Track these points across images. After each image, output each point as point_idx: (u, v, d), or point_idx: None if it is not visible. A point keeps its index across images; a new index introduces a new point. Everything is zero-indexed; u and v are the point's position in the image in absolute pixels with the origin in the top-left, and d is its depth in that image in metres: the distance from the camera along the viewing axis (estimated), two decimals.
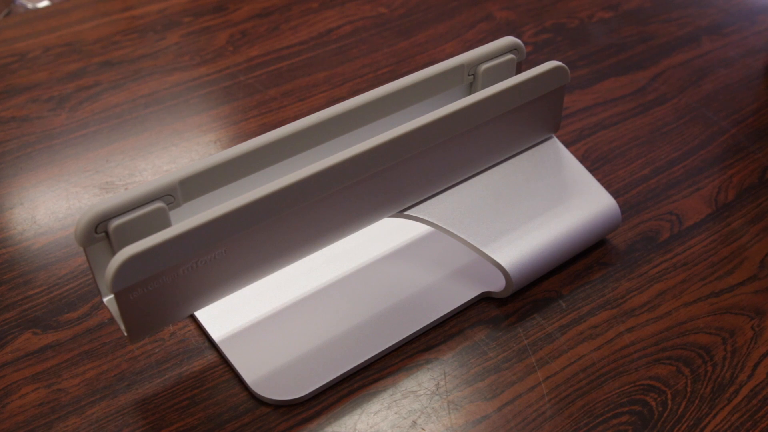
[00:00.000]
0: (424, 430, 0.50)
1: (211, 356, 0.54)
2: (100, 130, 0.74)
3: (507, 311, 0.57)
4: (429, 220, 0.55)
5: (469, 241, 0.55)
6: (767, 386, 0.53)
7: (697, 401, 0.52)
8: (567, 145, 0.71)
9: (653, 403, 0.51)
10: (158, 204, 0.46)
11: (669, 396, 0.52)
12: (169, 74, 0.81)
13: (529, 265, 0.56)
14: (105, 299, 0.47)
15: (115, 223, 0.44)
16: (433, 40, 0.87)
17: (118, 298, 0.43)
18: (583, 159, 0.70)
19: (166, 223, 0.46)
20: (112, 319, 0.56)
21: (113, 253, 0.45)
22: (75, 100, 0.77)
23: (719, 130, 0.74)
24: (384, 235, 0.61)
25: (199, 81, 0.80)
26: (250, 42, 0.86)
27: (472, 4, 0.94)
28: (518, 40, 0.58)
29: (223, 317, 0.55)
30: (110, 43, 0.86)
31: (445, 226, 0.55)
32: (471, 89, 0.59)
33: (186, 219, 0.45)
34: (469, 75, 0.57)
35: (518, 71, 0.59)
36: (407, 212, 0.55)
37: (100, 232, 0.45)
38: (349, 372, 0.52)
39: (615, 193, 0.66)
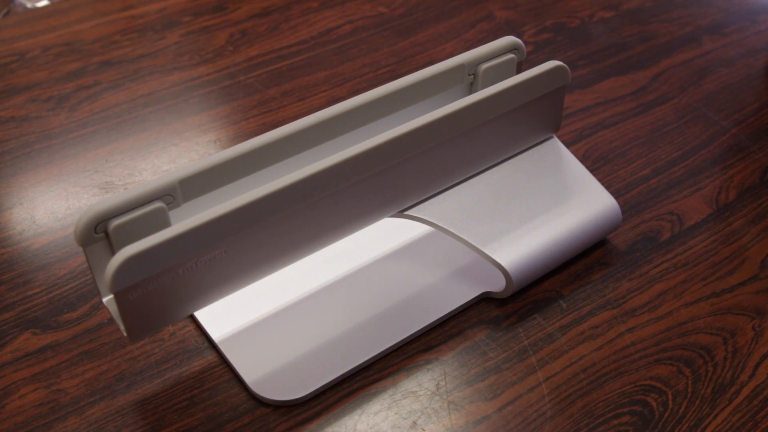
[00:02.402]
0: (424, 430, 0.50)
1: (210, 356, 0.53)
2: (99, 130, 0.73)
3: (507, 311, 0.57)
4: (429, 220, 0.55)
5: (469, 241, 0.55)
6: None
7: (698, 402, 0.51)
8: (567, 145, 0.71)
9: (654, 404, 0.51)
10: (158, 204, 0.46)
11: (670, 396, 0.52)
12: (168, 74, 0.81)
13: (529, 265, 0.56)
14: (104, 299, 0.47)
15: (115, 223, 0.44)
16: (433, 40, 0.87)
17: (117, 298, 0.43)
18: (583, 159, 0.70)
19: (165, 223, 0.46)
20: (111, 320, 0.56)
21: (113, 253, 0.45)
22: (74, 99, 0.77)
23: (720, 129, 0.74)
24: (384, 235, 0.61)
25: (199, 81, 0.80)
26: (250, 41, 0.86)
27: (472, 3, 0.94)
28: (518, 40, 0.58)
29: (223, 317, 0.55)
30: (109, 43, 0.85)
31: (445, 226, 0.55)
32: (471, 89, 0.59)
33: (186, 219, 0.45)
34: (469, 75, 0.57)
35: (519, 71, 0.59)
36: (407, 212, 0.55)
37: (100, 232, 0.45)
38: (349, 372, 0.52)
39: (615, 193, 0.66)
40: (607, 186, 0.67)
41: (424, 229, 0.62)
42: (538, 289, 0.58)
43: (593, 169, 0.69)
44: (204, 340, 0.54)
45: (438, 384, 0.52)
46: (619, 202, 0.63)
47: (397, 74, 0.81)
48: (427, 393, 0.52)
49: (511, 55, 0.58)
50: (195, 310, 0.48)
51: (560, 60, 0.61)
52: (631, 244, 0.62)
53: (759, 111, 0.77)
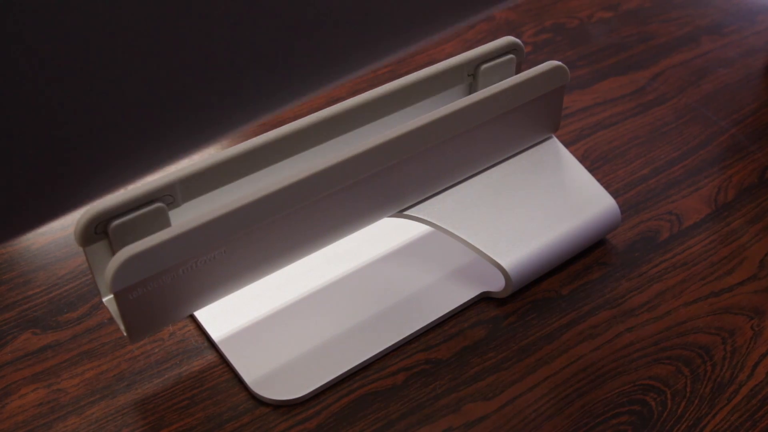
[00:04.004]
0: (424, 429, 0.50)
1: (210, 356, 0.54)
2: None
3: (506, 311, 0.57)
4: (429, 220, 0.55)
5: (468, 241, 0.55)
6: (767, 386, 0.53)
7: (696, 401, 0.52)
8: (567, 145, 0.71)
9: (653, 403, 0.51)
10: (158, 204, 0.46)
11: (668, 396, 0.52)
12: None
13: (528, 265, 0.56)
14: (104, 299, 0.47)
15: (115, 223, 0.44)
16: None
17: (117, 298, 0.43)
18: (582, 159, 0.70)
19: (165, 223, 0.46)
20: (111, 319, 0.56)
21: (113, 253, 0.45)
22: None
23: (719, 129, 0.75)
24: (384, 235, 0.61)
25: None
26: None
27: None
28: (518, 40, 0.58)
29: (223, 317, 0.55)
30: None
31: (444, 226, 0.55)
32: (471, 89, 0.59)
33: (186, 219, 0.45)
34: (468, 75, 0.57)
35: (518, 71, 0.59)
36: (407, 212, 0.55)
37: (100, 232, 0.45)
38: (348, 372, 0.52)
39: (614, 193, 0.66)
40: (606, 186, 0.67)
41: (423, 229, 0.62)
42: (537, 288, 0.59)
43: (592, 169, 0.69)
44: (204, 339, 0.55)
45: (437, 384, 0.52)
46: (618, 202, 0.63)
47: (397, 74, 0.81)
48: (427, 393, 0.52)
49: (510, 56, 0.58)
50: (195, 310, 0.49)
51: (559, 60, 0.61)
52: (630, 244, 0.62)
53: (758, 111, 0.77)
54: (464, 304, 0.57)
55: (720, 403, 0.52)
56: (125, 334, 0.46)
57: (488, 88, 0.54)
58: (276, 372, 0.52)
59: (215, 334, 0.54)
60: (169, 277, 0.45)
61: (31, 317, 0.56)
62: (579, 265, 0.60)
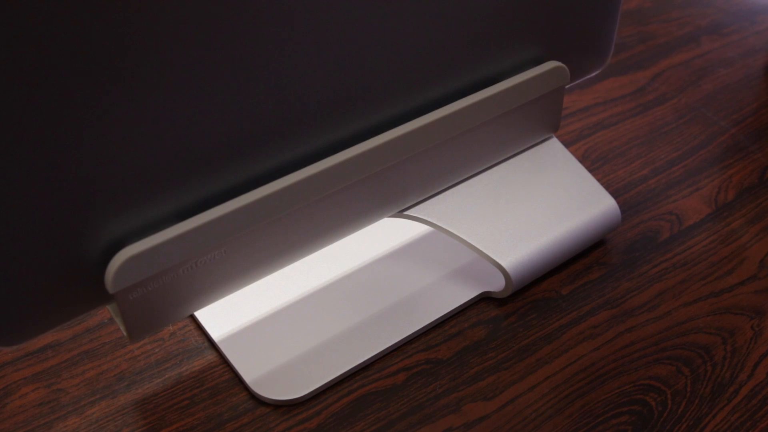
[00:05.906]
0: (424, 429, 0.50)
1: (210, 356, 0.54)
2: None
3: (507, 311, 0.57)
4: (429, 220, 0.55)
5: (468, 241, 0.55)
6: (767, 386, 0.53)
7: (696, 401, 0.52)
8: (567, 145, 0.71)
9: (653, 403, 0.51)
10: None
11: (669, 396, 0.52)
12: None
13: (528, 265, 0.56)
14: None
15: None
16: None
17: (118, 298, 0.43)
18: (582, 159, 0.70)
19: None
20: (111, 319, 0.56)
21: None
22: None
23: (719, 130, 0.75)
24: (384, 235, 0.61)
25: None
26: None
27: None
28: None
29: (223, 317, 0.55)
30: None
31: (444, 226, 0.55)
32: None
33: (186, 219, 0.45)
34: None
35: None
36: (407, 212, 0.55)
37: None
38: (349, 372, 0.52)
39: (614, 193, 0.66)
40: (607, 186, 0.67)
41: (424, 229, 0.62)
42: (537, 288, 0.59)
43: (592, 169, 0.69)
44: (204, 339, 0.55)
45: (437, 384, 0.52)
46: (618, 202, 0.63)
47: None
48: (427, 393, 0.52)
49: None
50: (195, 310, 0.49)
51: None
52: (630, 244, 0.62)
53: (758, 111, 0.77)
54: (464, 304, 0.57)
55: (720, 403, 0.52)
56: (125, 334, 0.46)
57: (488, 88, 0.54)
58: (276, 372, 0.52)
59: (215, 334, 0.54)
60: (169, 277, 0.45)
61: None
62: (579, 265, 0.60)
